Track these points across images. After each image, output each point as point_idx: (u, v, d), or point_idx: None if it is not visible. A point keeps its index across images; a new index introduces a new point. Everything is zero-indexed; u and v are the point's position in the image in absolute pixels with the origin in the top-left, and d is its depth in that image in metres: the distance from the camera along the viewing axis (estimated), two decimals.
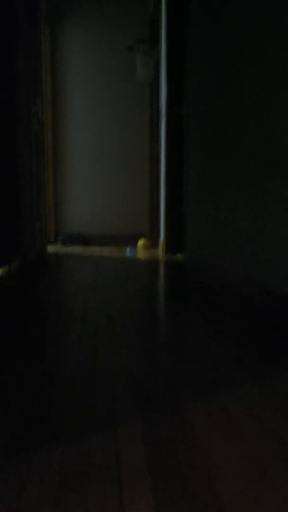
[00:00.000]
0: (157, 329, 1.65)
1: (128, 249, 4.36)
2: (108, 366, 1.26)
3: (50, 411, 0.99)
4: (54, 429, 0.91)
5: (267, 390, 1.10)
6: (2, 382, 1.16)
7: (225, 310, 1.93)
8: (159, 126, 4.27)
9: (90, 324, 1.70)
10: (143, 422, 0.93)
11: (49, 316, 1.83)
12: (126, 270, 3.16)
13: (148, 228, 5.09)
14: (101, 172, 5.16)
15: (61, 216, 5.20)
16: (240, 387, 1.12)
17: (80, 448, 0.83)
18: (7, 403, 1.03)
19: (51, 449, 0.83)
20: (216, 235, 2.79)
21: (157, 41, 4.26)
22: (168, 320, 1.79)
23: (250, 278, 2.25)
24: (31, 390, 1.10)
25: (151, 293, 2.45)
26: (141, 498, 0.69)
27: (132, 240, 4.76)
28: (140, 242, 4.61)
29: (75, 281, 2.67)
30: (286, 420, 0.94)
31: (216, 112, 2.78)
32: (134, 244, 4.62)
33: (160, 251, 4.16)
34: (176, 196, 3.86)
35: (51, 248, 4.42)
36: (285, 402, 1.03)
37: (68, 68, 5.07)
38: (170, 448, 0.83)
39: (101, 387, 1.12)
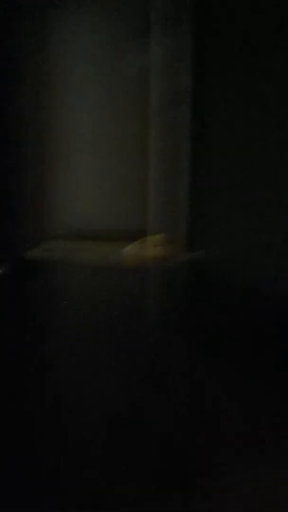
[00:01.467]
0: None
1: (131, 246, 3.97)
2: None
3: None
4: None
5: None
6: None
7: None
8: (163, 116, 3.89)
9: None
10: None
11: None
12: (133, 270, 2.76)
13: (161, 222, 4.71)
14: (98, 165, 4.78)
15: (57, 212, 4.81)
16: None
17: None
18: None
19: None
20: (240, 233, 2.45)
21: (160, 23, 3.85)
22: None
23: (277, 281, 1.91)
24: None
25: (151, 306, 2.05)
26: None
27: (135, 236, 4.36)
28: (152, 238, 4.22)
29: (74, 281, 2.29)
30: None
31: (238, 95, 2.41)
32: (139, 241, 4.22)
33: (176, 248, 3.78)
34: (196, 188, 3.51)
35: (44, 247, 4.09)
36: None
37: (64, 54, 4.69)
38: None
39: None
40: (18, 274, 2.77)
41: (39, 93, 4.16)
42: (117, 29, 3.75)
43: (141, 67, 4.01)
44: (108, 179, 4.75)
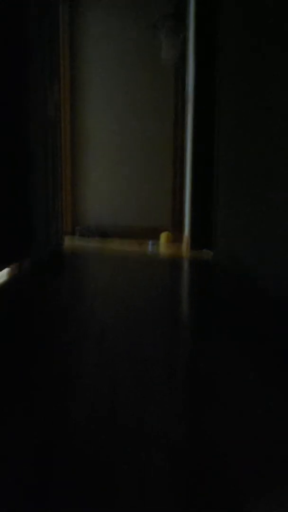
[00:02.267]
0: (191, 373, 1.37)
1: (149, 244, 4.08)
2: (132, 427, 0.98)
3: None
4: None
5: None
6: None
7: (271, 333, 1.64)
8: (184, 111, 3.94)
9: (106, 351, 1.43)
10: None
11: (56, 334, 1.57)
12: (149, 272, 2.88)
13: (171, 221, 4.79)
14: (122, 161, 4.86)
15: (80, 207, 4.92)
16: None
17: None
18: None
19: None
20: (253, 231, 2.49)
21: (184, 16, 3.91)
22: (206, 358, 1.51)
23: (279, 281, 1.95)
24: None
25: (180, 306, 2.17)
26: None
27: (154, 233, 4.46)
28: (163, 236, 4.32)
29: (90, 286, 2.40)
30: None
31: (255, 95, 2.45)
32: (156, 238, 4.33)
33: (185, 246, 3.87)
34: (204, 187, 3.55)
35: (68, 242, 4.17)
36: None
37: (87, 49, 4.75)
38: None
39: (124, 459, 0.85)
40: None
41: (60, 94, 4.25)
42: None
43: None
44: (117, 182, 4.89)
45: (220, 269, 2.90)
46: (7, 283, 2.43)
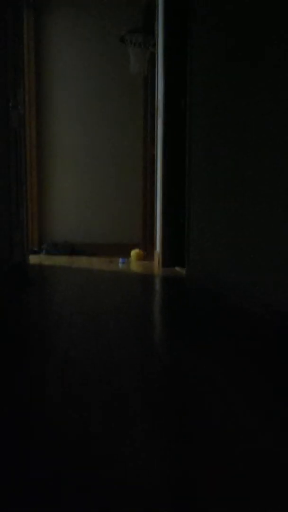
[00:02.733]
0: (168, 394, 1.21)
1: (120, 261, 3.92)
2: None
3: None
4: None
5: None
6: None
7: (248, 349, 1.49)
8: (155, 124, 3.84)
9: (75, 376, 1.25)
10: None
11: (20, 354, 1.38)
12: (120, 289, 2.71)
13: (142, 237, 4.65)
14: (91, 175, 4.71)
15: (47, 223, 4.73)
16: None
17: None
18: None
19: None
20: (227, 247, 2.37)
21: (153, 31, 3.83)
22: (181, 376, 1.35)
23: (261, 298, 1.83)
24: None
25: (151, 324, 2.01)
26: None
27: (124, 250, 4.30)
28: (133, 253, 4.17)
29: (58, 304, 2.22)
30: None
31: (227, 107, 2.35)
32: (127, 255, 4.17)
33: (156, 263, 3.72)
34: (175, 202, 3.43)
35: (34, 259, 3.96)
36: None
37: (54, 60, 4.62)
38: None
39: None
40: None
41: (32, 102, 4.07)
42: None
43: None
44: (86, 197, 4.73)
45: (194, 286, 2.77)
46: None
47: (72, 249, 4.51)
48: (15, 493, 0.74)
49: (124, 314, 2.04)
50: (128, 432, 0.94)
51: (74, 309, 2.11)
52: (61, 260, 4.09)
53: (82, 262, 4.00)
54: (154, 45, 3.83)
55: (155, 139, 3.81)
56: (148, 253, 4.17)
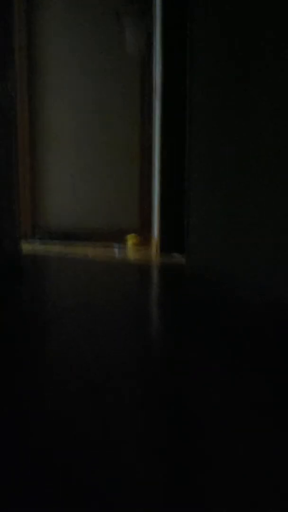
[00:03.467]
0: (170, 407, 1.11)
1: (115, 247, 3.80)
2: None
3: None
4: None
5: None
6: None
7: (252, 347, 1.39)
8: (152, 107, 3.70)
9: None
10: None
11: (13, 350, 1.27)
12: (116, 281, 2.60)
13: (138, 222, 4.52)
14: (86, 159, 4.57)
15: (40, 209, 4.59)
16: None
17: None
18: None
19: None
20: (230, 234, 2.25)
21: (150, 2, 3.66)
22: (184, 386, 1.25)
23: (265, 290, 1.73)
24: None
25: (150, 320, 1.91)
26: None
27: (120, 236, 4.18)
28: (130, 239, 4.05)
29: (51, 300, 2.11)
30: None
31: (232, 93, 2.22)
32: (123, 240, 4.06)
33: (154, 250, 3.61)
34: (174, 186, 3.30)
35: (26, 247, 3.84)
36: None
37: (47, 41, 4.45)
38: None
39: None
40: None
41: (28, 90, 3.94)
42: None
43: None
44: (81, 180, 4.58)
45: (194, 276, 2.66)
46: None
47: (67, 236, 4.39)
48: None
49: (120, 308, 1.94)
50: (125, 431, 0.86)
51: (69, 302, 2.01)
52: (55, 248, 3.97)
53: (77, 249, 3.89)
54: (152, 18, 3.67)
55: (153, 121, 3.67)
56: (145, 238, 4.06)
